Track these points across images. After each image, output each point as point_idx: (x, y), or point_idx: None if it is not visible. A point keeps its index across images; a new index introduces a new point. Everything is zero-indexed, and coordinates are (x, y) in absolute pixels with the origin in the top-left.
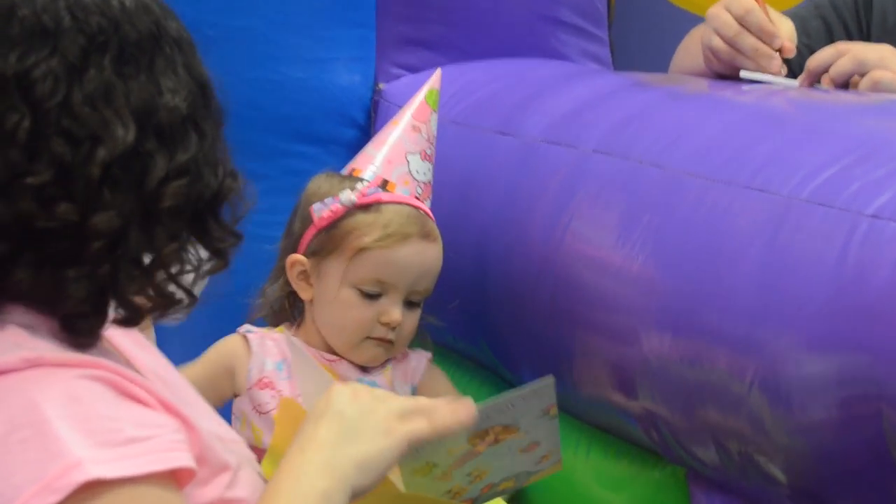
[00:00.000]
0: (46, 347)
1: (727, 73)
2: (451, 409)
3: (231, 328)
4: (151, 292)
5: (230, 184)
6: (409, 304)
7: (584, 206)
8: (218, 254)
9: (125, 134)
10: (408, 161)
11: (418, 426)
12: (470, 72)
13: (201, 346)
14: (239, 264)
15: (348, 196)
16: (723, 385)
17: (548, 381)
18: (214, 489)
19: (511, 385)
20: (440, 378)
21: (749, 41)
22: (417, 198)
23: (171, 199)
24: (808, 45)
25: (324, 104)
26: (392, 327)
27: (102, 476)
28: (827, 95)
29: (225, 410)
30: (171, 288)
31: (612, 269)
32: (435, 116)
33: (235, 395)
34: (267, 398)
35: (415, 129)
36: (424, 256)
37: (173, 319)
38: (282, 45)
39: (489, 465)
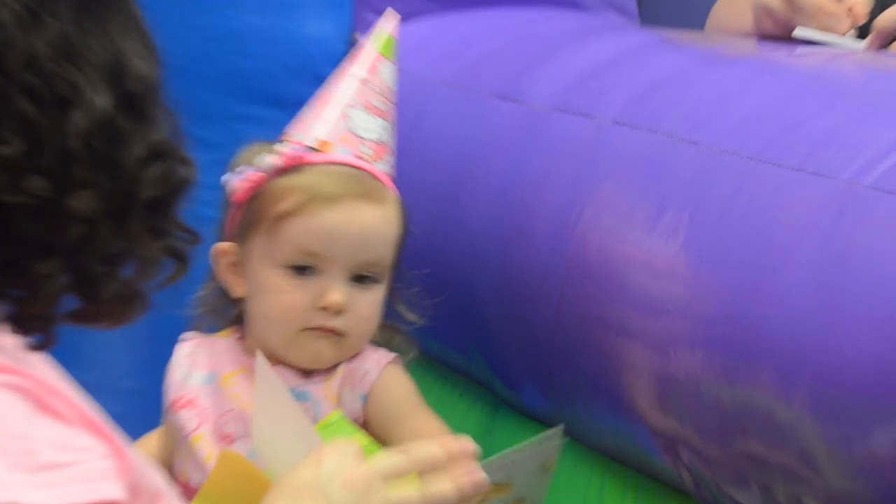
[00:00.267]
0: None
1: (780, 36)
2: (455, 475)
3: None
4: (126, 292)
5: (185, 173)
6: (359, 280)
7: (602, 190)
8: (177, 256)
9: (98, 98)
10: (349, 117)
11: None
12: (466, 23)
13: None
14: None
15: (267, 161)
16: (766, 408)
17: (555, 433)
18: None
19: (509, 405)
20: (395, 386)
21: None
22: (361, 158)
23: (151, 187)
24: (880, 2)
25: (287, 59)
26: (335, 311)
27: (15, 502)
28: None
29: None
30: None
31: (634, 265)
32: (391, 66)
33: None
34: (185, 420)
35: (359, 79)
36: (363, 219)
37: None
38: None
39: None
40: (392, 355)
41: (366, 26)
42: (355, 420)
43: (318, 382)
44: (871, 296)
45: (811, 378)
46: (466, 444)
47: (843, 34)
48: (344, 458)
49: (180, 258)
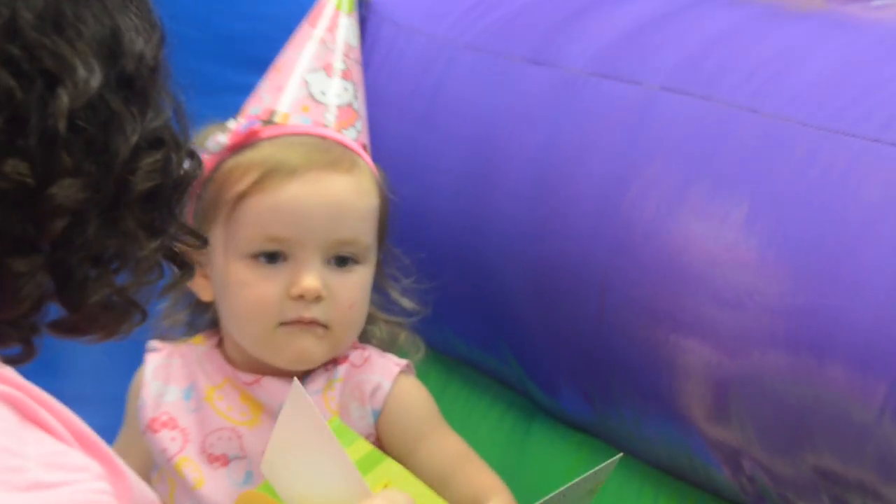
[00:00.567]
0: None
1: None
2: None
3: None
4: (115, 300)
5: (193, 169)
6: (338, 262)
7: (650, 165)
8: (178, 260)
9: (89, 76)
10: (306, 82)
11: None
12: None
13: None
14: None
15: (216, 140)
16: (842, 411)
17: (613, 462)
18: None
19: (546, 412)
20: (411, 400)
21: None
22: (325, 126)
23: (146, 179)
24: None
25: (288, 21)
26: (312, 299)
27: None
28: None
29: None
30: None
31: (688, 250)
32: (350, 21)
33: None
34: (166, 442)
35: (316, 40)
36: (331, 192)
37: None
38: None
39: None
40: (403, 362)
41: None
42: (366, 438)
43: (315, 393)
44: None
45: (893, 374)
46: None
47: None
48: None
49: (182, 262)
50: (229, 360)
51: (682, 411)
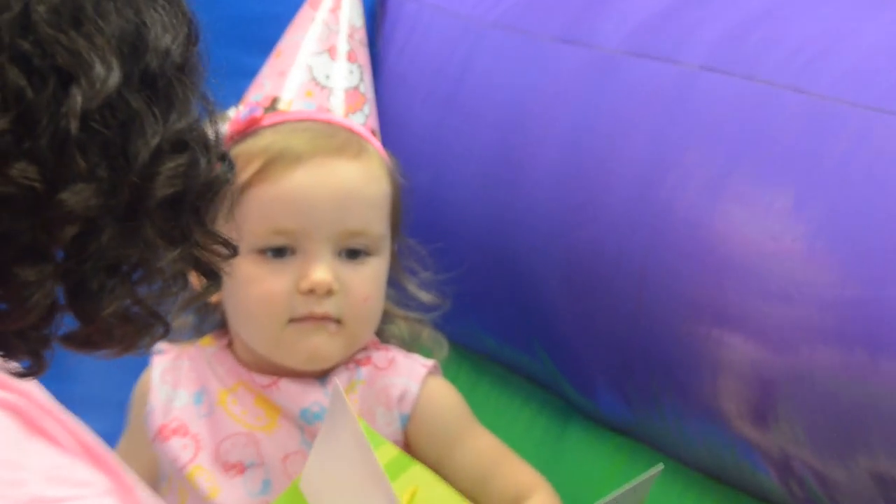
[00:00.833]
0: None
1: None
2: None
3: None
4: (136, 311)
5: (224, 172)
6: (350, 255)
7: (690, 149)
8: (205, 272)
9: (107, 74)
10: (310, 66)
11: None
12: None
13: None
14: None
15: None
16: (892, 408)
17: (654, 472)
18: None
19: (582, 413)
20: (442, 403)
21: None
22: (331, 111)
23: (168, 185)
24: None
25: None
26: (323, 293)
27: None
28: None
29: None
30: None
31: (733, 239)
32: (353, 1)
33: None
34: (177, 450)
35: (317, 22)
36: (338, 179)
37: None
38: None
39: None
40: (430, 363)
41: None
42: (393, 444)
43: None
44: None
45: None
46: None
47: None
48: None
49: (209, 272)
50: (241, 361)
51: (726, 411)
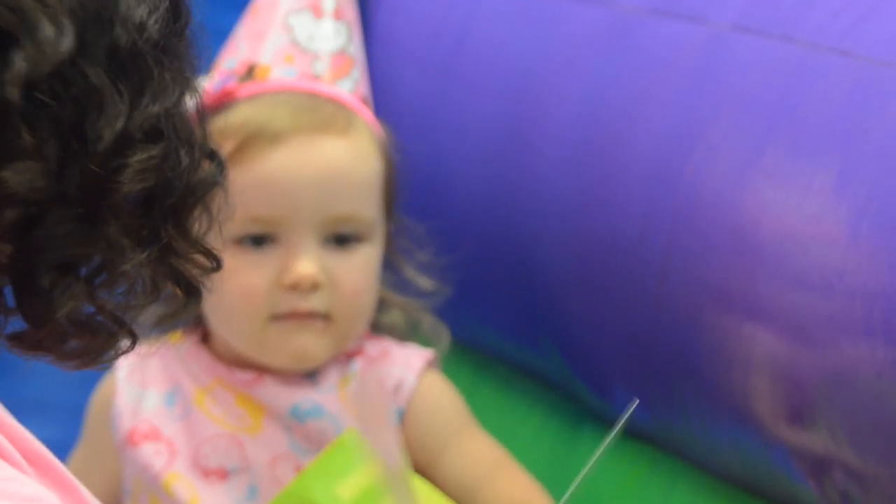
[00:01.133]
0: None
1: None
2: None
3: None
4: (98, 319)
5: (212, 172)
6: (338, 242)
7: (719, 120)
8: (184, 285)
9: (57, 37)
10: (290, 26)
11: None
12: None
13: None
14: None
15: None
16: None
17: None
18: None
19: (596, 417)
20: (438, 398)
21: None
22: (316, 78)
23: (137, 178)
24: None
25: None
26: (308, 288)
27: None
28: None
29: None
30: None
31: (766, 222)
32: None
33: None
34: (149, 456)
35: None
36: (323, 159)
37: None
38: None
39: None
40: (428, 353)
41: None
42: None
43: (329, 391)
44: None
45: None
46: None
47: None
48: None
49: (187, 285)
50: (219, 357)
51: (758, 414)
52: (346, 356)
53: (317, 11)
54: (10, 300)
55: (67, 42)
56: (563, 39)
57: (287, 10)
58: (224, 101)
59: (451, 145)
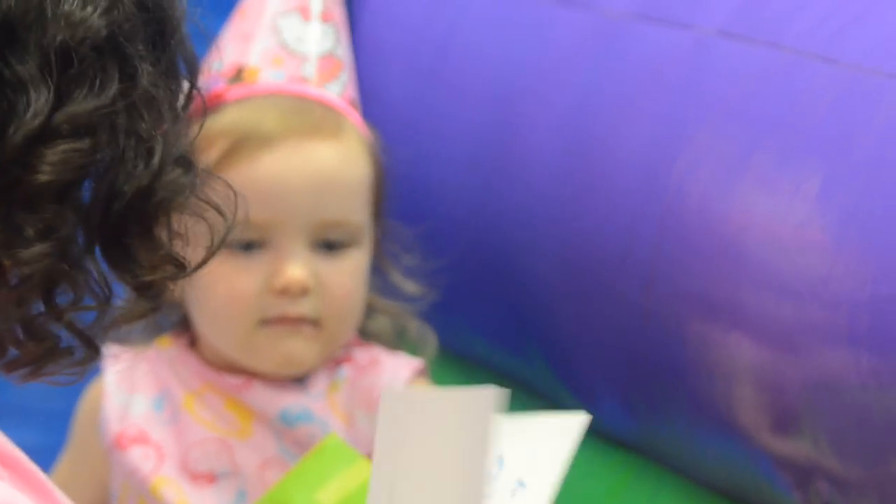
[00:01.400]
0: None
1: None
2: None
3: None
4: (18, 330)
5: (177, 178)
6: (328, 246)
7: (705, 127)
8: (142, 291)
9: None
10: (278, 28)
11: None
12: None
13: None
14: None
15: None
16: None
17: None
18: None
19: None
20: None
21: None
22: (304, 80)
23: (53, 169)
24: None
25: None
26: (297, 293)
27: None
28: None
29: None
30: (53, 327)
31: (751, 231)
32: None
33: None
34: (137, 460)
35: None
36: (314, 163)
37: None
38: None
39: None
40: (417, 363)
41: None
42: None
43: (318, 396)
44: None
45: None
46: None
47: None
48: None
49: (150, 296)
50: (208, 361)
51: (743, 423)
52: (334, 362)
53: (305, 13)
54: None
55: None
56: (549, 45)
57: (275, 12)
58: (212, 104)
59: (436, 150)
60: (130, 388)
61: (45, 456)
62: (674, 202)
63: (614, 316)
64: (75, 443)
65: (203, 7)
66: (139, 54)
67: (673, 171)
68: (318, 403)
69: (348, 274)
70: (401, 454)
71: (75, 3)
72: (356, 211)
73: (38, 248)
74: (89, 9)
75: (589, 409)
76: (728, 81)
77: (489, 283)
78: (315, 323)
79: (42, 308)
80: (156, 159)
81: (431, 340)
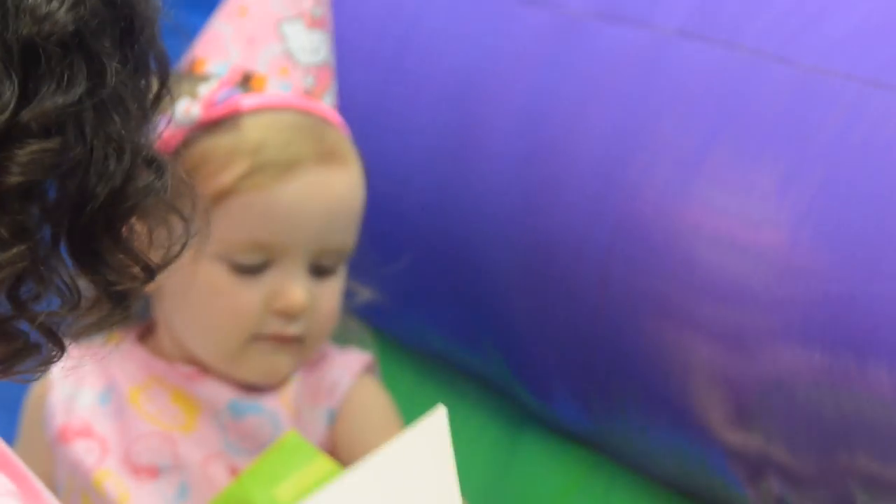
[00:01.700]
0: None
1: None
2: None
3: None
4: (10, 323)
5: (148, 181)
6: (318, 271)
7: (661, 126)
8: (113, 296)
9: None
10: (284, 35)
11: None
12: None
13: None
14: None
15: (187, 110)
16: (885, 417)
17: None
18: None
19: (537, 420)
20: (371, 402)
21: None
22: (308, 94)
23: (23, 169)
24: None
25: None
26: (295, 314)
27: None
28: None
29: None
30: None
31: (706, 230)
32: None
33: None
34: (81, 453)
35: None
36: (330, 191)
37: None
38: None
39: None
40: (367, 358)
41: None
42: (320, 445)
43: (271, 394)
44: None
45: None
46: None
47: None
48: None
49: (119, 302)
50: (159, 353)
51: (696, 420)
52: None
53: (308, 21)
54: None
55: None
56: (509, 41)
57: (279, 17)
58: (230, 114)
59: (395, 144)
60: (78, 381)
61: None
62: (630, 199)
63: (569, 312)
64: (23, 435)
65: (177, 2)
66: (106, 51)
67: (629, 168)
68: (268, 396)
69: (335, 295)
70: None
71: None
72: (354, 235)
73: (14, 250)
74: (55, 4)
75: (545, 406)
76: (686, 81)
77: (446, 278)
78: (300, 340)
79: (11, 308)
80: (126, 159)
81: (369, 337)
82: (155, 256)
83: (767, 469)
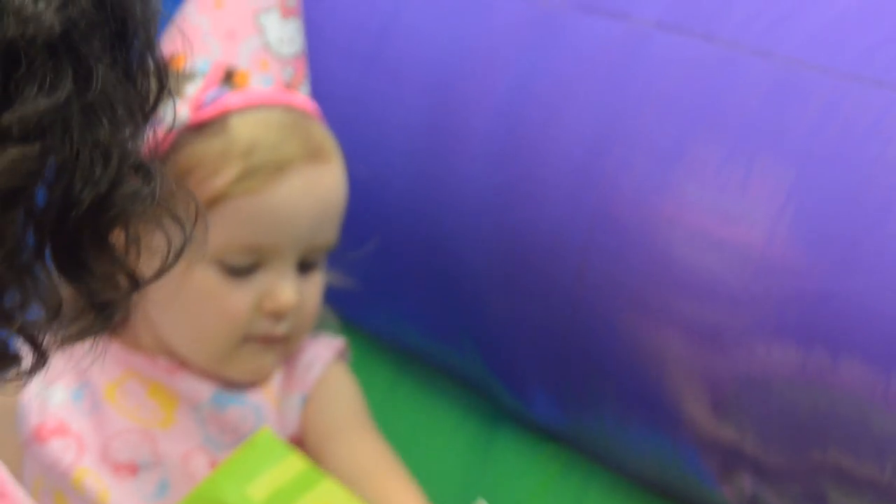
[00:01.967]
0: None
1: None
2: None
3: None
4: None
5: (133, 187)
6: (304, 267)
7: (640, 119)
8: (97, 306)
9: None
10: (262, 27)
11: None
12: None
13: None
14: None
15: (175, 112)
16: (859, 414)
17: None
18: None
19: (513, 416)
20: (338, 388)
21: None
22: (288, 86)
23: (2, 176)
24: None
25: None
26: (285, 314)
27: None
28: None
29: None
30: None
31: (683, 224)
32: None
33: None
34: (58, 451)
35: None
36: (319, 189)
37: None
38: None
39: None
40: (339, 345)
41: None
42: (295, 432)
43: (252, 392)
44: None
45: None
46: None
47: None
48: None
49: (103, 312)
50: (134, 347)
51: (671, 416)
52: None
53: (283, 10)
54: None
55: None
56: (487, 32)
57: (256, 8)
58: (219, 115)
59: (372, 137)
60: (47, 380)
61: None
62: (607, 193)
63: (545, 306)
64: None
65: None
66: (95, 54)
67: (607, 161)
68: (253, 397)
69: (319, 290)
70: None
71: None
72: (337, 230)
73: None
74: (42, 4)
75: (520, 402)
76: (664, 73)
77: (422, 274)
78: (286, 338)
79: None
80: (114, 165)
81: (336, 323)
82: (145, 265)
83: (741, 465)
